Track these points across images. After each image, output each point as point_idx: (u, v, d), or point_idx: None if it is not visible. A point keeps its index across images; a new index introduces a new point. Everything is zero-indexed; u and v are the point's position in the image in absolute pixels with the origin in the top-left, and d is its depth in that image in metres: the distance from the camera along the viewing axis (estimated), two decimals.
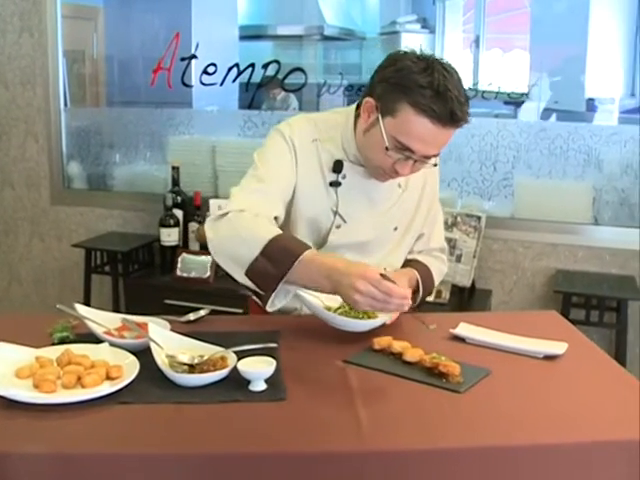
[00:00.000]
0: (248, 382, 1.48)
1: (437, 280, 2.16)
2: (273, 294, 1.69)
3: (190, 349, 1.60)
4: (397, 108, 1.71)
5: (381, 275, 1.57)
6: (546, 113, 3.72)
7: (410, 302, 1.61)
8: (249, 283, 1.72)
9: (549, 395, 1.52)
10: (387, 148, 1.75)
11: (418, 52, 1.75)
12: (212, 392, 1.46)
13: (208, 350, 1.59)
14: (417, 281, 2.00)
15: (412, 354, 1.62)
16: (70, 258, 4.19)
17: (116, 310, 3.88)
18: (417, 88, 1.67)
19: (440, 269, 2.18)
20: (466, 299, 3.45)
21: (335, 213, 1.93)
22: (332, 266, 1.62)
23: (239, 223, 1.74)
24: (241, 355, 1.55)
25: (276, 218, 1.85)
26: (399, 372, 1.59)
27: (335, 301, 1.79)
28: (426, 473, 1.29)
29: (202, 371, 1.51)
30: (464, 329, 1.83)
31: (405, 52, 1.76)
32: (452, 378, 1.53)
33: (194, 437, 1.30)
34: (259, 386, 1.48)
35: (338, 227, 1.94)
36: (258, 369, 1.49)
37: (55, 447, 1.28)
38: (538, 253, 3.57)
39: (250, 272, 1.69)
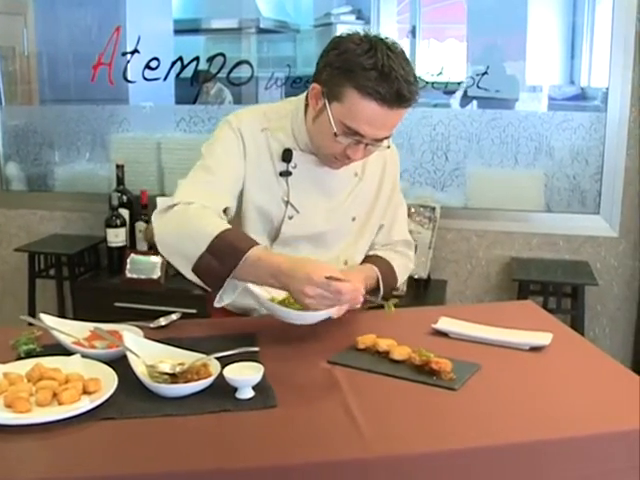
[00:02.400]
0: (234, 390, 1.41)
1: (401, 277, 2.08)
2: (220, 290, 1.64)
3: (169, 357, 1.52)
4: (343, 92, 1.67)
5: (328, 278, 1.53)
6: (465, 100, 3.72)
7: (363, 293, 1.60)
8: (196, 279, 1.67)
9: (543, 388, 1.49)
10: (336, 134, 1.71)
11: (362, 33, 1.70)
12: (199, 402, 1.38)
13: (188, 357, 1.51)
14: (377, 278, 1.94)
15: (400, 352, 1.58)
16: (11, 263, 4.02)
17: (62, 315, 3.75)
18: (361, 71, 1.63)
19: (405, 265, 2.10)
20: (422, 290, 3.43)
21: (287, 203, 1.88)
22: (278, 267, 1.59)
23: (186, 217, 1.69)
24: (222, 361, 1.48)
25: (226, 210, 1.80)
26: (388, 371, 1.54)
27: (282, 294, 1.74)
28: (432, 476, 1.24)
29: (186, 380, 1.43)
30: (445, 323, 1.80)
31: (349, 34, 1.71)
32: (444, 375, 1.49)
33: (185, 453, 1.22)
34: (246, 393, 1.41)
35: (291, 218, 1.88)
36: (246, 376, 1.42)
37: (35, 472, 1.18)
38: (492, 242, 3.58)
39: (196, 268, 1.65)
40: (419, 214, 3.42)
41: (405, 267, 2.10)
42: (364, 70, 1.62)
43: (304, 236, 1.91)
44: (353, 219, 1.97)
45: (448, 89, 3.77)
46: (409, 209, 3.41)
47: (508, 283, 3.46)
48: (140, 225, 3.64)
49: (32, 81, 4.31)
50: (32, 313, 3.62)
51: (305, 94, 1.86)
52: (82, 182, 4.03)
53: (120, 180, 3.68)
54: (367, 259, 2.02)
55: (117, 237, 3.62)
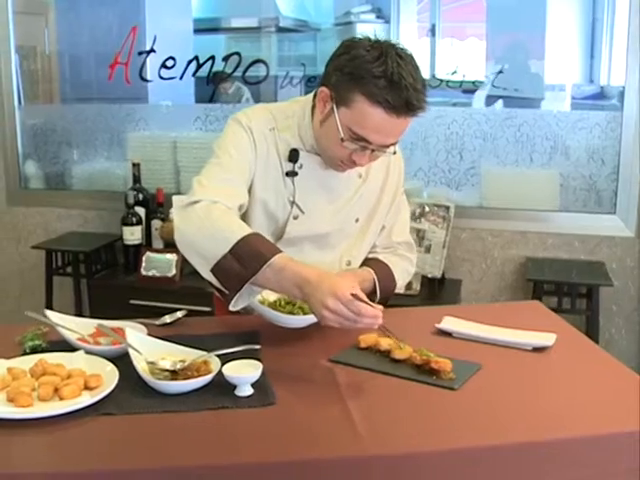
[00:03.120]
0: (234, 387, 1.43)
1: (401, 281, 2.06)
2: (237, 294, 1.62)
3: (170, 354, 1.54)
4: (351, 98, 1.66)
5: (353, 295, 1.50)
6: (491, 100, 3.71)
7: (381, 321, 1.53)
8: (214, 280, 1.66)
9: (544, 389, 1.49)
10: (342, 139, 1.71)
11: (372, 38, 1.69)
12: (198, 399, 1.40)
13: (189, 354, 1.53)
14: (373, 281, 1.93)
15: (401, 352, 1.58)
16: (29, 260, 4.06)
17: (79, 312, 3.78)
18: (371, 78, 1.62)
19: (406, 269, 2.09)
20: (437, 290, 3.42)
21: (292, 203, 1.88)
22: (304, 277, 1.56)
23: (210, 217, 1.67)
24: (223, 359, 1.49)
25: (241, 207, 1.80)
26: (389, 370, 1.54)
27: (274, 296, 1.75)
28: (431, 476, 1.24)
29: (186, 377, 1.44)
30: (449, 323, 1.80)
31: (359, 39, 1.70)
32: (444, 375, 1.50)
33: (183, 449, 1.23)
34: (246, 391, 1.42)
35: (296, 218, 1.89)
36: (244, 373, 1.43)
37: (36, 466, 1.21)
38: (507, 241, 3.56)
39: (216, 270, 1.63)
40: (433, 213, 3.41)
41: (406, 271, 2.09)
42: (374, 78, 1.61)
43: (308, 236, 1.91)
44: (356, 220, 1.97)
45: (464, 87, 3.76)
46: (423, 208, 3.41)
47: (523, 283, 3.44)
48: (156, 223, 3.67)
49: (53, 80, 4.35)
50: (49, 309, 3.65)
51: (312, 94, 1.85)
52: (99, 180, 4.06)
53: (136, 178, 3.71)
54: (366, 262, 2.01)
55: (133, 235, 3.65)
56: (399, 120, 1.65)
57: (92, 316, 3.07)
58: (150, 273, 3.53)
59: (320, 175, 1.88)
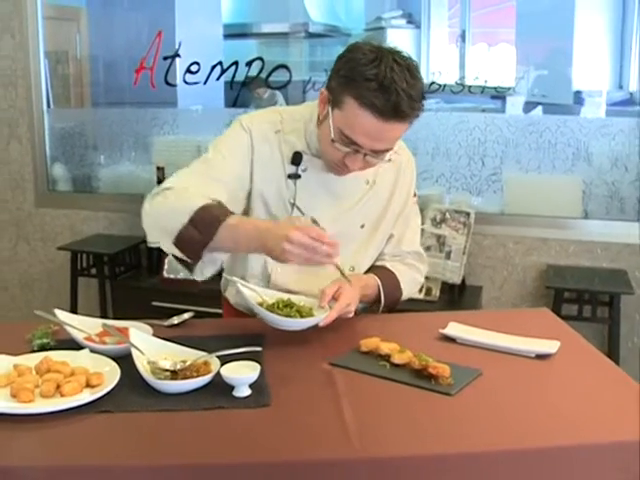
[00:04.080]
0: (232, 388, 1.44)
1: (409, 290, 2.05)
2: (200, 262, 1.69)
3: (172, 354, 1.55)
4: (343, 100, 1.68)
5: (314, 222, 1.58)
6: (529, 106, 3.69)
7: (337, 255, 1.58)
8: (177, 252, 1.69)
9: (542, 396, 1.48)
10: (333, 140, 1.72)
11: (376, 44, 1.70)
12: (195, 399, 1.41)
13: (191, 355, 1.55)
14: (378, 288, 1.93)
15: (400, 356, 1.58)
16: (56, 261, 4.14)
17: (104, 313, 3.84)
18: (362, 81, 1.62)
19: (414, 278, 2.08)
20: (456, 296, 3.41)
21: (293, 205, 1.89)
22: (259, 226, 1.63)
23: (172, 196, 1.72)
24: (225, 360, 1.51)
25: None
26: (387, 375, 1.55)
27: (271, 297, 1.77)
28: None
29: (185, 377, 1.46)
30: (453, 329, 1.80)
31: (363, 43, 1.71)
32: (442, 380, 1.49)
33: (178, 447, 1.25)
34: (243, 392, 1.44)
35: None
36: (242, 374, 1.45)
37: (34, 459, 1.24)
38: (528, 248, 3.54)
39: (178, 241, 1.67)
40: (454, 219, 3.41)
41: (414, 280, 2.08)
42: (365, 80, 1.62)
43: None
44: (362, 226, 1.97)
45: (492, 93, 3.76)
46: (444, 214, 3.40)
47: (544, 290, 3.42)
48: None
49: (84, 84, 4.43)
50: (74, 310, 3.72)
51: None
52: (124, 184, 4.12)
53: (160, 182, 3.72)
54: (372, 269, 2.01)
55: None
56: (388, 125, 1.65)
57: (115, 317, 3.12)
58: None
59: (324, 179, 1.89)
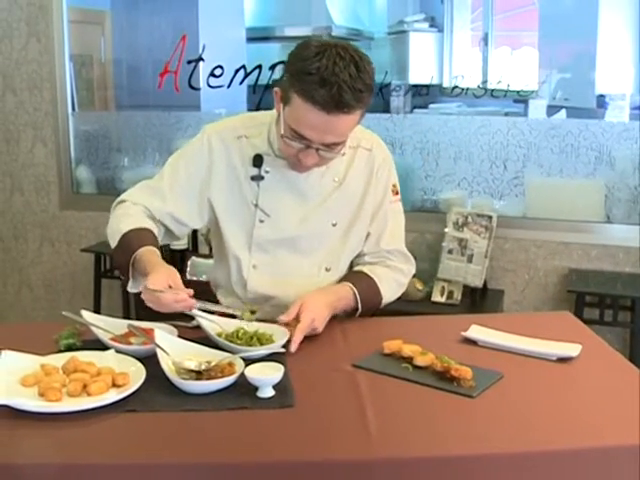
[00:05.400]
0: (256, 388, 1.46)
1: (390, 294, 2.01)
2: (131, 280, 1.82)
3: (197, 355, 1.58)
4: (290, 96, 1.69)
5: (148, 289, 1.65)
6: (552, 110, 3.69)
7: (192, 302, 1.70)
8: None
9: (564, 399, 1.49)
10: (282, 136, 1.75)
11: (325, 38, 1.73)
12: (220, 399, 1.43)
13: (215, 356, 1.57)
14: (354, 296, 1.91)
15: (423, 358, 1.59)
16: (80, 263, 4.18)
17: (126, 314, 3.88)
18: (304, 75, 1.64)
19: (396, 280, 2.03)
20: (478, 299, 3.41)
21: (256, 206, 1.92)
22: (145, 270, 1.73)
23: (116, 214, 1.93)
24: (249, 361, 1.53)
25: (166, 215, 1.92)
26: (410, 377, 1.56)
27: (233, 326, 1.77)
28: None
29: (209, 378, 1.48)
30: (475, 331, 1.81)
31: (313, 39, 1.72)
32: (464, 382, 1.50)
33: (202, 446, 1.27)
34: (267, 392, 1.45)
35: (262, 221, 1.92)
36: (266, 375, 1.46)
37: (61, 457, 1.26)
38: (550, 252, 3.53)
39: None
40: (475, 223, 3.41)
41: (395, 281, 2.03)
42: (306, 75, 1.63)
43: (277, 240, 1.93)
44: (333, 224, 1.96)
45: (515, 97, 3.76)
46: (466, 218, 3.40)
47: (565, 294, 3.40)
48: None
49: (108, 87, 4.48)
50: (97, 312, 3.74)
51: None
52: None
53: None
54: (348, 275, 2.00)
55: (179, 240, 3.71)
56: (332, 117, 1.66)
57: (138, 318, 3.15)
58: (195, 278, 3.60)
59: (289, 179, 1.91)
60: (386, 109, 3.83)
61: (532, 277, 3.59)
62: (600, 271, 3.45)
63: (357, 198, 1.99)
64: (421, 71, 4.07)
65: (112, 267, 3.89)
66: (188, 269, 3.60)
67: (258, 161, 1.91)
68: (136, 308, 3.76)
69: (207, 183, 1.92)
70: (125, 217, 1.87)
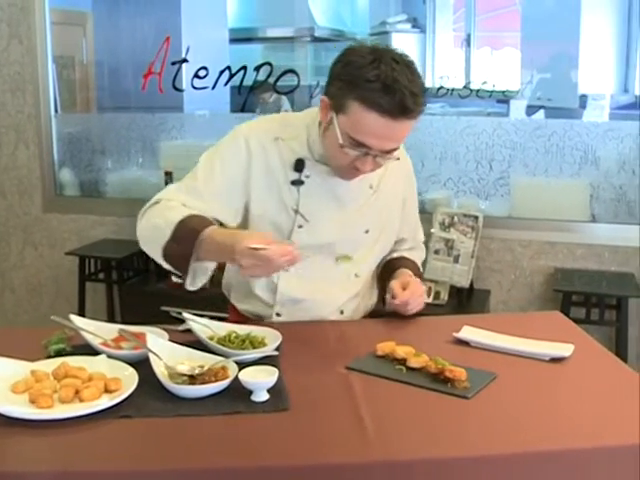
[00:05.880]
0: (250, 392, 1.45)
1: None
2: (191, 273, 1.73)
3: (189, 359, 1.56)
4: (347, 105, 1.68)
5: (253, 248, 1.57)
6: (531, 110, 3.70)
7: (297, 253, 1.61)
8: (168, 266, 1.77)
9: (558, 400, 1.49)
10: (342, 145, 1.72)
11: (371, 45, 1.71)
12: (214, 404, 1.42)
13: (208, 360, 1.55)
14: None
15: (416, 360, 1.59)
16: (63, 266, 4.14)
17: (111, 318, 3.86)
18: (364, 82, 1.63)
19: (421, 257, 2.21)
20: (465, 300, 3.42)
21: (296, 212, 1.90)
22: (221, 242, 1.66)
23: (158, 210, 1.79)
24: (241, 364, 1.51)
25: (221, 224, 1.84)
26: (404, 378, 1.55)
27: (224, 329, 1.76)
28: None
29: (203, 382, 1.47)
30: (468, 332, 1.80)
31: (358, 46, 1.72)
32: (458, 383, 1.50)
33: (197, 451, 1.26)
34: (261, 396, 1.44)
35: (300, 227, 1.90)
36: (260, 379, 1.45)
37: (55, 465, 1.24)
38: (536, 252, 3.55)
39: (166, 256, 1.74)
40: (462, 223, 3.41)
41: (421, 259, 2.21)
42: (367, 82, 1.63)
43: (315, 246, 1.91)
44: (366, 231, 1.97)
45: (498, 97, 3.76)
46: (452, 218, 3.41)
47: (552, 294, 3.42)
48: None
49: (90, 89, 4.44)
50: (82, 315, 3.71)
51: None
52: (132, 188, 4.12)
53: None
54: (397, 262, 2.06)
55: None
56: (396, 123, 1.66)
57: (123, 322, 3.13)
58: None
59: (328, 184, 1.90)
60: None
61: (518, 277, 3.60)
62: (585, 270, 3.47)
63: (389, 205, 2.01)
64: None
65: (97, 270, 3.86)
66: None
67: (300, 165, 1.88)
68: (121, 312, 3.74)
69: (245, 186, 1.88)
70: (169, 210, 1.77)
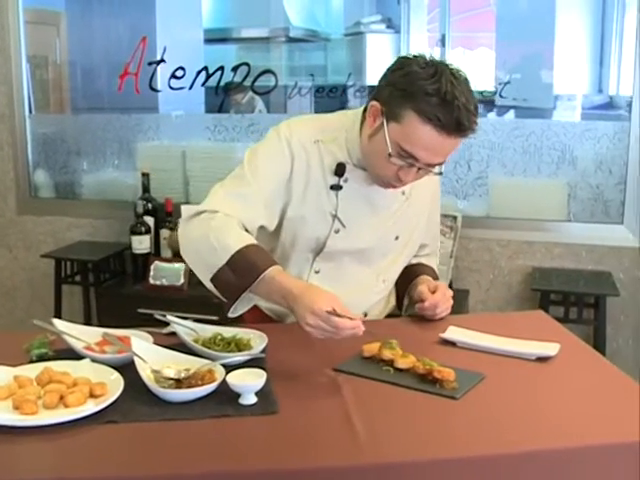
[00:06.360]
0: (238, 395, 1.43)
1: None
2: (235, 303, 1.69)
3: (175, 363, 1.55)
4: (402, 114, 1.67)
5: (329, 312, 1.53)
6: (502, 110, 3.71)
7: (363, 329, 1.57)
8: (213, 288, 1.72)
9: (546, 399, 1.49)
10: (390, 155, 1.71)
11: (428, 57, 1.70)
12: (201, 407, 1.41)
13: (194, 363, 1.54)
14: None
15: (404, 361, 1.59)
16: (39, 269, 4.08)
17: (88, 321, 3.81)
18: (423, 95, 1.63)
19: (436, 264, 2.21)
20: None
21: (334, 217, 1.88)
22: (290, 290, 1.61)
23: (210, 226, 1.71)
24: (228, 367, 1.50)
25: (249, 222, 1.79)
26: (392, 380, 1.55)
27: (210, 331, 1.74)
28: None
29: (190, 386, 1.45)
30: (453, 333, 1.80)
31: (414, 56, 1.72)
32: (447, 384, 1.50)
33: (185, 456, 1.24)
34: (250, 399, 1.43)
35: (337, 232, 1.89)
36: (248, 382, 1.44)
37: (40, 472, 1.22)
38: (514, 251, 3.56)
39: (215, 280, 1.69)
40: (441, 223, 3.40)
41: (436, 265, 2.22)
42: (426, 95, 1.62)
43: (348, 251, 1.91)
44: (396, 238, 1.98)
45: (484, 97, 3.76)
46: None
47: (530, 293, 3.43)
48: (164, 232, 3.68)
49: (63, 90, 4.39)
50: (58, 318, 3.67)
51: (362, 108, 1.86)
52: (108, 190, 4.08)
53: (145, 188, 3.72)
54: (418, 268, 2.08)
55: (142, 244, 3.66)
56: (449, 139, 1.66)
57: (100, 325, 3.10)
58: (158, 282, 3.55)
59: (364, 190, 1.88)
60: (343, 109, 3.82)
61: (496, 276, 3.61)
62: (563, 269, 3.48)
63: (418, 213, 2.02)
64: (378, 72, 4.07)
65: (73, 272, 3.81)
66: (152, 273, 3.55)
67: (341, 170, 1.86)
68: (98, 314, 3.70)
69: (287, 188, 1.85)
70: (223, 231, 1.70)
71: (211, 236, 1.69)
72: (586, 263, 3.47)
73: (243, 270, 1.64)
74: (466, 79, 1.68)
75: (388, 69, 1.75)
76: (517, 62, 3.86)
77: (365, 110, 1.82)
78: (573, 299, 3.25)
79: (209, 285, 1.72)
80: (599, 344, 3.25)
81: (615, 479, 1.34)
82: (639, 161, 3.32)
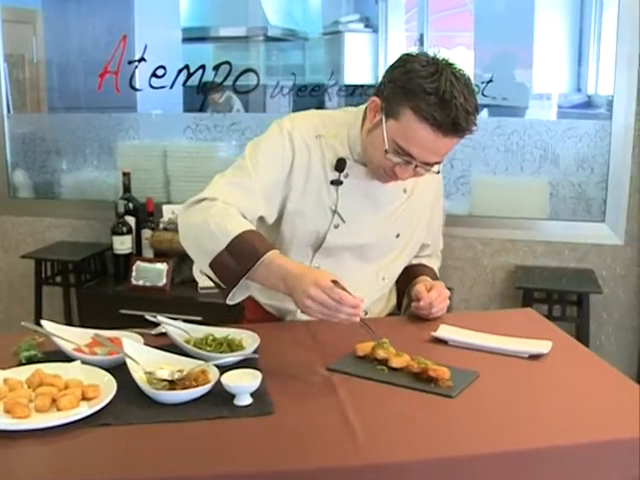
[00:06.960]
0: (233, 396, 1.42)
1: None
2: (234, 289, 1.67)
3: (167, 364, 1.52)
4: (400, 111, 1.67)
5: (333, 282, 1.54)
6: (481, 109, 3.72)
7: (361, 313, 1.57)
8: (211, 274, 1.70)
9: (541, 396, 1.50)
10: (386, 151, 1.71)
11: (431, 55, 1.70)
12: (196, 409, 1.39)
13: (187, 364, 1.52)
14: None
15: (398, 360, 1.58)
16: (18, 269, 4.03)
17: (69, 322, 3.77)
18: (421, 93, 1.63)
19: (437, 266, 2.22)
20: None
21: (334, 212, 1.88)
22: (290, 270, 1.61)
23: (210, 213, 1.71)
24: (221, 368, 1.48)
25: (248, 212, 1.78)
26: (387, 379, 1.54)
27: (201, 332, 1.73)
28: None
29: (184, 387, 1.44)
30: (445, 331, 1.80)
31: (417, 54, 1.72)
32: (442, 382, 1.50)
33: (180, 458, 1.23)
34: (245, 400, 1.42)
35: (336, 227, 1.89)
36: (243, 383, 1.43)
37: (34, 476, 1.20)
38: (497, 250, 3.57)
39: (214, 265, 1.68)
40: None
41: (437, 267, 2.22)
42: (425, 93, 1.62)
43: (348, 246, 1.91)
44: (397, 236, 1.98)
45: None
46: None
47: (513, 291, 3.44)
48: (146, 232, 3.65)
49: (41, 89, 4.34)
50: (38, 320, 3.61)
51: (365, 105, 1.85)
52: (88, 190, 4.04)
53: (126, 188, 3.69)
54: (417, 269, 2.07)
55: (123, 244, 3.63)
56: (445, 139, 1.66)
57: (82, 325, 3.07)
58: (140, 282, 3.52)
59: (365, 185, 1.89)
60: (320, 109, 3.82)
61: (479, 274, 3.62)
62: (545, 267, 3.51)
63: (420, 211, 2.01)
64: (356, 71, 4.08)
65: (53, 273, 3.77)
66: (133, 274, 3.52)
67: (341, 165, 1.87)
68: (79, 315, 3.66)
69: (287, 182, 1.86)
70: (223, 217, 1.70)
71: (211, 222, 1.69)
72: (569, 261, 3.50)
73: (243, 254, 1.63)
74: (467, 79, 1.68)
75: (390, 66, 1.75)
76: (496, 61, 3.87)
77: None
78: (556, 297, 3.28)
79: (207, 270, 1.71)
80: (582, 341, 3.26)
81: (610, 475, 1.34)
82: (620, 159, 3.35)
